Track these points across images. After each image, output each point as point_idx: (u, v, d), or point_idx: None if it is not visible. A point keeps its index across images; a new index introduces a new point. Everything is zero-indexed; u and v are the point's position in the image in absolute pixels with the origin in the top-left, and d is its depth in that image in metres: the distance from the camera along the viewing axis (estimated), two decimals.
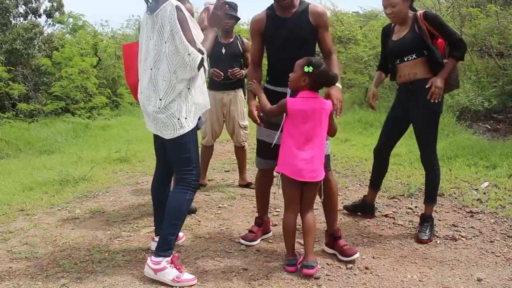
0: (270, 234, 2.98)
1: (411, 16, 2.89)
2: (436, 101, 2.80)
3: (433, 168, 2.98)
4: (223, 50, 4.01)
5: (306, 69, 2.36)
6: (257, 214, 2.98)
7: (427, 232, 2.89)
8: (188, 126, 2.27)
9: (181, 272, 2.29)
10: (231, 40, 4.07)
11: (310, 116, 2.38)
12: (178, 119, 2.24)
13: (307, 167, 2.38)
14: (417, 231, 2.95)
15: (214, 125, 4.09)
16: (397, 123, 3.11)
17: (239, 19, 4.15)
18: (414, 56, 2.86)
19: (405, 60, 2.90)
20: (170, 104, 2.23)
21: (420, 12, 2.88)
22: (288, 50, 2.58)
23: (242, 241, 2.84)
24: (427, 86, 2.80)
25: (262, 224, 2.92)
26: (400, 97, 3.09)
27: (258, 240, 2.86)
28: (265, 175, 2.86)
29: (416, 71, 2.87)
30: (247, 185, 4.23)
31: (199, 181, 2.38)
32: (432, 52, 2.81)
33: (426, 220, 2.96)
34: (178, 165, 2.33)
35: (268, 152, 2.69)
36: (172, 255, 2.32)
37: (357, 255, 2.58)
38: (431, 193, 3.01)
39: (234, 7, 4.02)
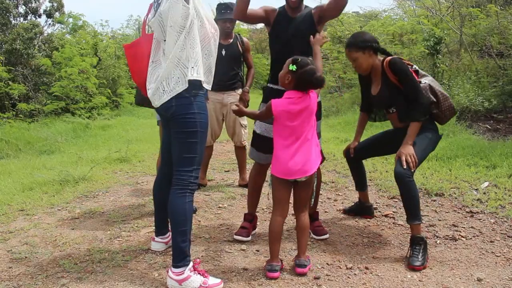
0: (256, 229, 3.08)
1: (379, 64, 2.81)
2: (414, 168, 2.61)
3: (400, 182, 2.62)
4: (223, 52, 4.01)
5: (290, 67, 2.35)
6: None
7: (419, 256, 2.49)
8: (192, 75, 2.19)
9: (206, 277, 2.25)
10: (231, 41, 4.07)
11: (296, 116, 2.36)
12: (187, 68, 2.18)
13: (295, 166, 2.36)
14: (407, 255, 2.60)
15: (213, 125, 4.09)
16: (385, 143, 3.07)
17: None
18: (394, 109, 2.86)
19: (390, 112, 2.89)
20: (181, 55, 2.18)
21: (387, 59, 2.74)
22: (291, 47, 2.66)
23: (239, 238, 2.88)
24: (396, 159, 2.67)
25: (252, 220, 3.01)
26: (396, 131, 2.98)
27: (250, 236, 2.93)
28: (260, 171, 2.96)
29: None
30: (247, 185, 4.21)
31: (197, 183, 2.35)
32: (403, 105, 2.75)
33: (416, 242, 2.57)
34: (180, 164, 2.29)
35: (265, 147, 2.79)
36: (193, 262, 2.29)
37: (326, 235, 2.91)
38: (410, 209, 2.63)
39: (232, 7, 4.00)
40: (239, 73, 4.14)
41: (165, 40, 2.23)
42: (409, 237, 2.66)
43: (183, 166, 2.28)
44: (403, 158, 2.60)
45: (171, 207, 2.29)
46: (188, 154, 2.26)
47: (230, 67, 4.04)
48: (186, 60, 2.18)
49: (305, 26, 2.73)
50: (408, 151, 2.62)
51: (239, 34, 4.19)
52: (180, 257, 2.24)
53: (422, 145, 2.71)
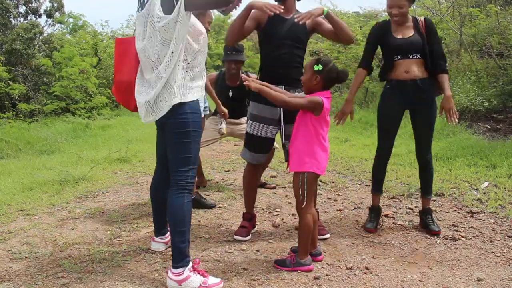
0: (256, 228, 3.10)
1: (410, 19, 3.04)
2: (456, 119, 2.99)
3: (430, 165, 3.12)
4: (230, 93, 4.01)
5: (316, 67, 2.38)
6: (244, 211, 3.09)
7: (435, 223, 3.05)
8: (181, 97, 2.18)
9: (206, 277, 2.24)
10: (238, 83, 4.00)
11: (328, 114, 2.45)
12: (172, 88, 2.17)
13: (326, 162, 2.49)
14: (424, 226, 3.07)
15: (208, 136, 4.02)
16: (395, 123, 3.09)
17: (245, 60, 4.07)
18: (419, 55, 2.97)
19: (410, 57, 2.97)
20: (169, 75, 2.16)
21: (421, 18, 3.06)
22: (284, 48, 2.73)
23: (238, 238, 2.89)
24: (441, 111, 3.00)
25: (251, 219, 3.03)
26: (398, 95, 3.02)
27: (250, 236, 2.95)
28: (254, 172, 3.00)
29: (422, 70, 2.98)
30: (262, 185, 4.20)
31: (194, 182, 2.34)
32: (428, 55, 2.97)
33: (429, 213, 3.11)
34: (176, 165, 2.28)
35: (257, 147, 2.86)
36: (192, 262, 2.28)
37: (327, 235, 2.93)
38: (430, 186, 3.15)
39: (240, 49, 3.93)
40: (244, 109, 4.08)
41: (143, 38, 2.21)
42: (421, 211, 3.16)
43: (179, 166, 2.27)
44: (451, 110, 2.95)
45: (169, 208, 2.28)
46: (183, 154, 2.26)
47: (236, 107, 4.05)
48: (172, 81, 2.17)
49: (298, 30, 2.74)
50: (451, 104, 2.94)
51: (246, 72, 4.14)
52: (179, 258, 2.24)
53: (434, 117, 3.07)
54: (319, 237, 2.90)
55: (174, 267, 2.23)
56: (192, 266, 2.26)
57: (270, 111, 2.78)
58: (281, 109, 2.75)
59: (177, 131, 2.23)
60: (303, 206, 2.44)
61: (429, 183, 3.15)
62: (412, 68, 2.97)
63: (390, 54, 3.04)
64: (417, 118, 3.05)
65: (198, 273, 2.25)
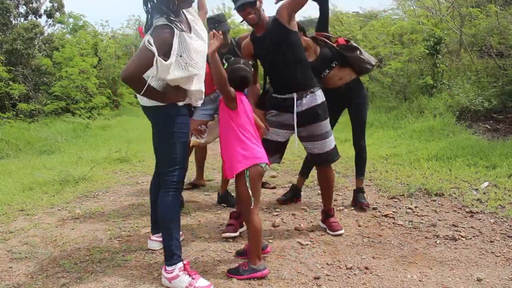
0: (244, 228, 3.06)
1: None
2: None
3: (364, 148, 3.60)
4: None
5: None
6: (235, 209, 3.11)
7: (365, 199, 3.60)
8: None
9: (193, 278, 2.25)
10: (227, 49, 3.99)
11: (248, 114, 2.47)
12: (186, 63, 2.21)
13: (263, 152, 2.45)
14: (355, 201, 3.59)
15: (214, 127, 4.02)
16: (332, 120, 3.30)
17: (229, 28, 3.99)
18: (335, 63, 3.37)
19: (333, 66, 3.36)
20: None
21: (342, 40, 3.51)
22: (274, 60, 2.78)
23: (226, 235, 2.92)
24: None
25: (239, 217, 3.02)
26: (335, 98, 3.35)
27: (238, 232, 2.97)
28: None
29: (344, 75, 3.40)
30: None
31: (181, 181, 2.38)
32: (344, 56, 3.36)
33: (362, 191, 3.64)
34: (163, 165, 2.35)
35: (271, 151, 2.85)
36: (185, 262, 2.31)
37: (341, 231, 2.99)
38: (362, 169, 3.64)
39: (220, 19, 3.80)
40: None
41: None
42: (354, 189, 3.65)
43: (166, 166, 2.32)
44: None
45: (158, 207, 2.35)
46: (169, 154, 2.30)
47: None
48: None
49: (277, 36, 2.71)
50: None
51: (234, 39, 4.07)
52: (168, 255, 2.28)
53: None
54: (333, 232, 2.97)
55: (167, 264, 2.28)
56: (184, 266, 2.28)
57: (281, 117, 2.84)
58: (295, 115, 2.78)
59: (163, 132, 2.30)
60: (251, 207, 2.36)
61: (363, 166, 3.64)
62: (331, 80, 3.38)
63: (316, 73, 3.24)
64: (352, 111, 3.65)
65: (188, 274, 2.26)
